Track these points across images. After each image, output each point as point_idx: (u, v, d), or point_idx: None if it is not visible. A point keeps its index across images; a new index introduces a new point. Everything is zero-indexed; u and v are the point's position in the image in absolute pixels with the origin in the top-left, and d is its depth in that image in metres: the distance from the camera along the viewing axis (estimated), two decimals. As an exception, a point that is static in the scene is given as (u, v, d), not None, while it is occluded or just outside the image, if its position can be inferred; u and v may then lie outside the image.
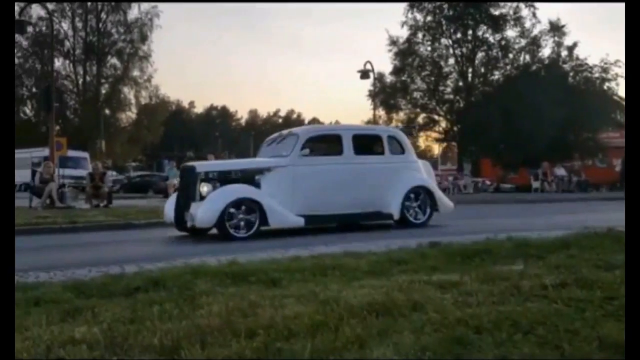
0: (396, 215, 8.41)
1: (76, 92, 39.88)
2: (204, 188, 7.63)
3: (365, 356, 2.20)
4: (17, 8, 34.46)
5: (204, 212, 7.30)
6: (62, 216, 10.38)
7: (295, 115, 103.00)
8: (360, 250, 5.09)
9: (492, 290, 3.26)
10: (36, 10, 35.03)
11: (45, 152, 21.44)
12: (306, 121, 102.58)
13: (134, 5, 39.39)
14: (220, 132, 77.86)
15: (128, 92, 40.85)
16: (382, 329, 2.53)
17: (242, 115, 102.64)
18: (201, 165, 8.39)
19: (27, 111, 41.56)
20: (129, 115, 42.84)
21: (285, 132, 9.14)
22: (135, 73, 40.10)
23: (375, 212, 8.42)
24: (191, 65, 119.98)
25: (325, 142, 9.11)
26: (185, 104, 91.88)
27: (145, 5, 39.54)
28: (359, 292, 3.16)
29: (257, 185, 7.83)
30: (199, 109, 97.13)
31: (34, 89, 39.61)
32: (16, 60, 39.64)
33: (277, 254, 5.24)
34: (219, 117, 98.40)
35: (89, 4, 39.00)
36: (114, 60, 40.02)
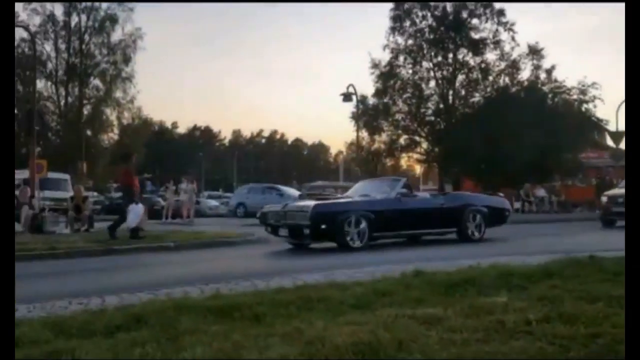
0: None
1: (58, 114, 39.56)
2: None
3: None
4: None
5: None
6: (42, 242, 10.21)
7: (278, 136, 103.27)
8: (345, 280, 5.07)
9: (477, 326, 3.26)
10: (19, 32, 34.78)
11: (26, 174, 21.11)
12: (289, 142, 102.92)
13: (118, 27, 39.38)
14: (203, 152, 77.61)
15: (110, 113, 40.68)
16: (368, 372, 2.51)
17: (226, 135, 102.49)
18: None
19: (7, 132, 41.03)
20: (111, 136, 42.63)
21: None
22: (118, 94, 39.94)
23: None
24: (174, 87, 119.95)
25: None
26: (169, 125, 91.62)
27: (129, 27, 39.55)
28: (345, 329, 3.14)
29: None
30: (182, 129, 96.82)
31: (15, 111, 39.12)
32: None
33: (260, 283, 5.25)
34: (202, 138, 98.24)
35: (72, 25, 38.95)
36: (96, 82, 39.89)
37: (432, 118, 34.70)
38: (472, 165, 30.21)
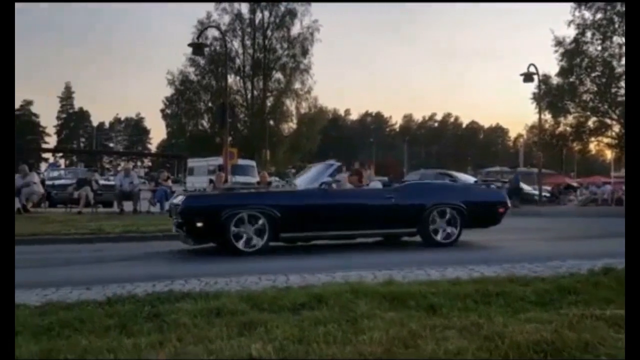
0: None
1: (245, 106, 43.26)
2: None
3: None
4: (195, 31, 38.47)
5: None
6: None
7: (452, 119, 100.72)
8: (526, 274, 4.86)
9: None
10: (211, 32, 38.57)
11: (220, 160, 23.53)
12: (463, 125, 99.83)
13: (296, 21, 41.74)
14: (374, 138, 78.87)
15: (290, 104, 43.49)
16: (551, 372, 2.42)
17: (397, 120, 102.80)
18: None
19: (204, 123, 45.92)
20: (290, 125, 45.47)
21: None
22: (297, 86, 42.56)
23: None
24: (347, 75, 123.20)
25: None
26: (342, 112, 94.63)
27: (306, 21, 41.67)
28: (526, 327, 3.04)
29: None
30: (354, 116, 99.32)
31: (209, 104, 43.65)
32: (194, 78, 44.09)
33: (434, 273, 5.25)
34: (373, 123, 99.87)
35: (256, 22, 42.14)
36: (278, 75, 42.82)
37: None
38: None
